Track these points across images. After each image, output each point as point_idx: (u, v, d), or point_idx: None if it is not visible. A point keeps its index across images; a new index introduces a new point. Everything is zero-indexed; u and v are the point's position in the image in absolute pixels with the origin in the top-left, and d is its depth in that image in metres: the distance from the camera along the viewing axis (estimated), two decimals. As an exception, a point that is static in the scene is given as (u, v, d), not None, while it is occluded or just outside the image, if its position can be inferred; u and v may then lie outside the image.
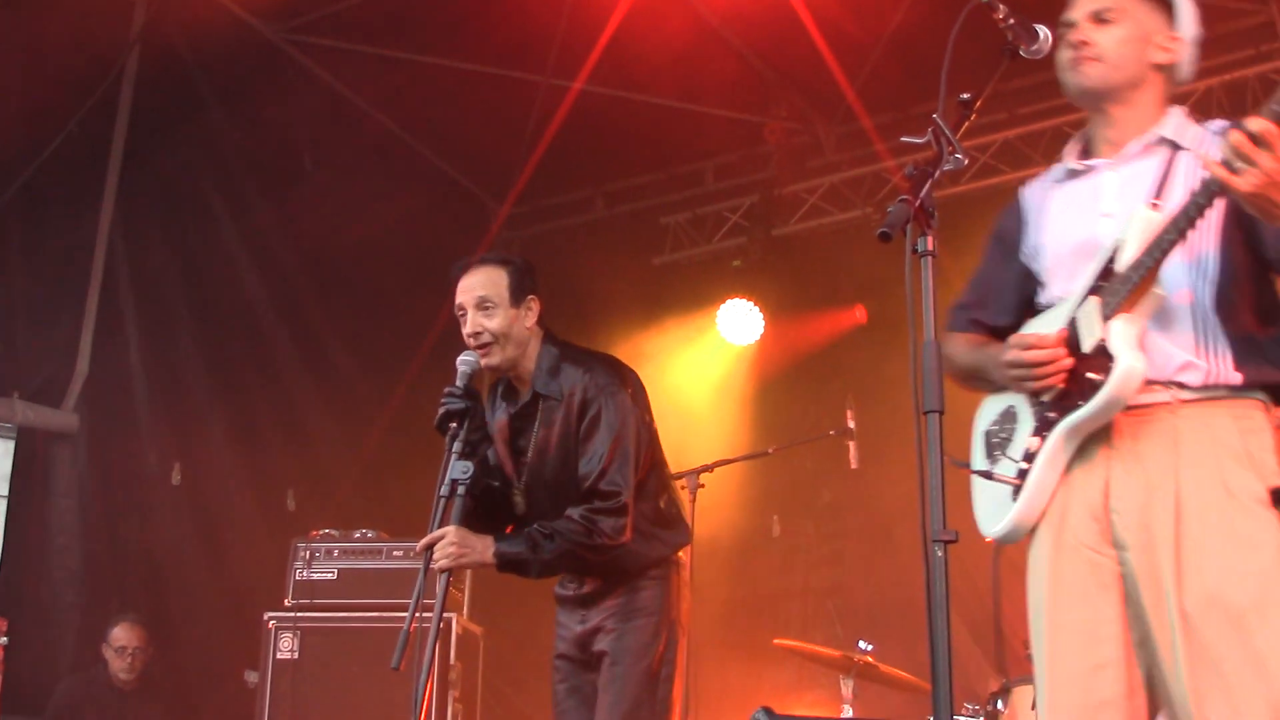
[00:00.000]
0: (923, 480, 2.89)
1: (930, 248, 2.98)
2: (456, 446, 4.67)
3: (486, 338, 4.86)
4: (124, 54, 9.11)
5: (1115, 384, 3.21)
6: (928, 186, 3.00)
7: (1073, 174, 3.60)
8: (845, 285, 9.66)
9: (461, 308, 4.92)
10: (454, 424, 4.72)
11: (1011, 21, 3.37)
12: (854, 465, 7.55)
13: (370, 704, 7.38)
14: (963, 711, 5.67)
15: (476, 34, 9.26)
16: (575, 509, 4.80)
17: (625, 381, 4.97)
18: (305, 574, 7.72)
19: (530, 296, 4.96)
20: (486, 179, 11.19)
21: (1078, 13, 3.47)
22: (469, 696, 7.80)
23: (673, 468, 7.45)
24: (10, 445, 9.06)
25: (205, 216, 9.77)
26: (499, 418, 5.09)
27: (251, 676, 7.90)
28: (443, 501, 4.61)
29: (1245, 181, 2.97)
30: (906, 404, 2.95)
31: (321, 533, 7.94)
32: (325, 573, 7.77)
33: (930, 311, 2.96)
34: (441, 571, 4.59)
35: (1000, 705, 5.94)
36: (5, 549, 8.88)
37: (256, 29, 9.31)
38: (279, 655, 7.62)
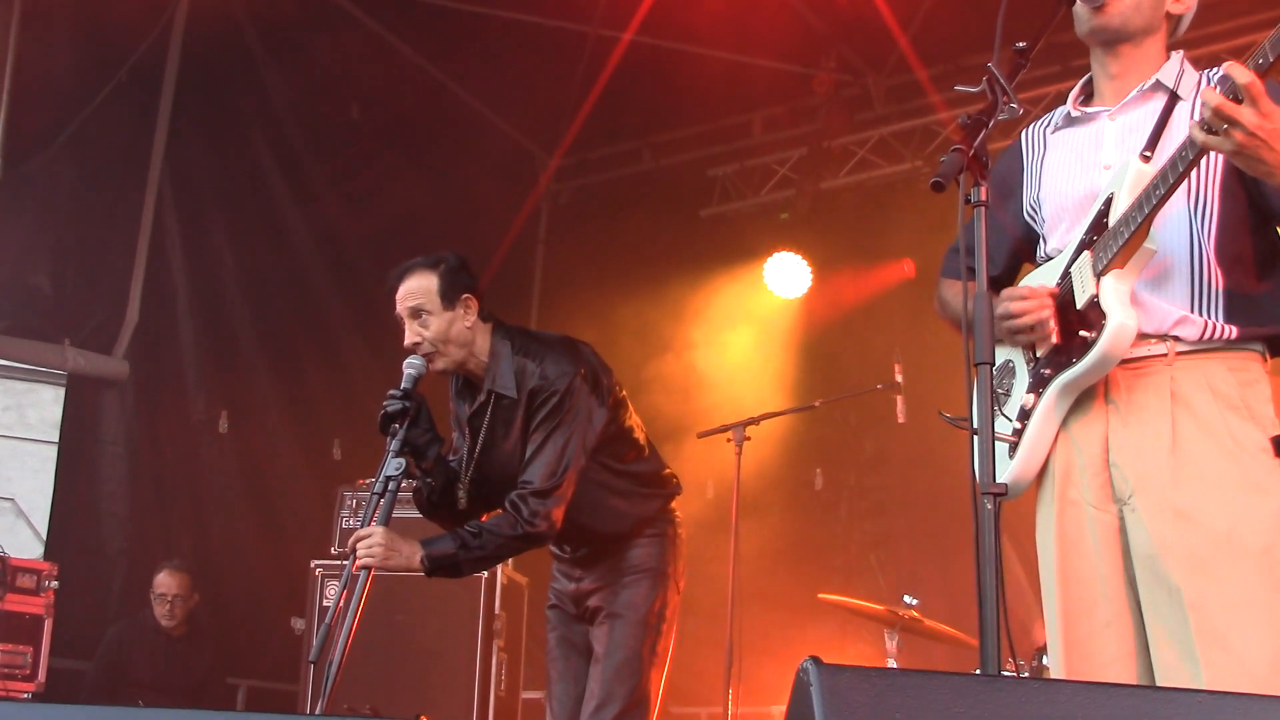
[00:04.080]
0: (974, 433, 2.87)
1: (984, 198, 2.94)
2: (394, 445, 4.66)
3: (427, 347, 4.82)
4: (173, 4, 9.11)
5: (1106, 341, 3.19)
6: (981, 136, 2.96)
7: (1071, 120, 3.57)
8: (894, 239, 9.59)
9: (400, 317, 4.89)
10: (395, 424, 4.71)
11: (1065, -33, 3.32)
12: (901, 420, 7.51)
13: (415, 651, 7.42)
14: (1008, 667, 5.65)
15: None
16: (510, 495, 4.78)
17: (578, 363, 4.89)
18: (351, 522, 7.76)
19: (465, 295, 4.87)
20: (535, 130, 11.18)
21: None
22: (514, 646, 7.84)
23: (718, 421, 7.55)
24: (61, 392, 9.13)
25: (253, 167, 9.79)
26: (462, 414, 5.08)
27: (298, 623, 7.96)
28: (375, 498, 4.60)
29: (1228, 141, 2.92)
30: (954, 358, 2.93)
31: (367, 481, 7.97)
32: (370, 521, 7.80)
33: (983, 262, 2.93)
34: (361, 568, 4.52)
35: (1045, 660, 5.92)
36: (55, 495, 8.96)
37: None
38: (325, 603, 7.67)
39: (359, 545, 4.57)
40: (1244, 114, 2.88)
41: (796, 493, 9.75)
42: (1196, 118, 3.00)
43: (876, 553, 9.44)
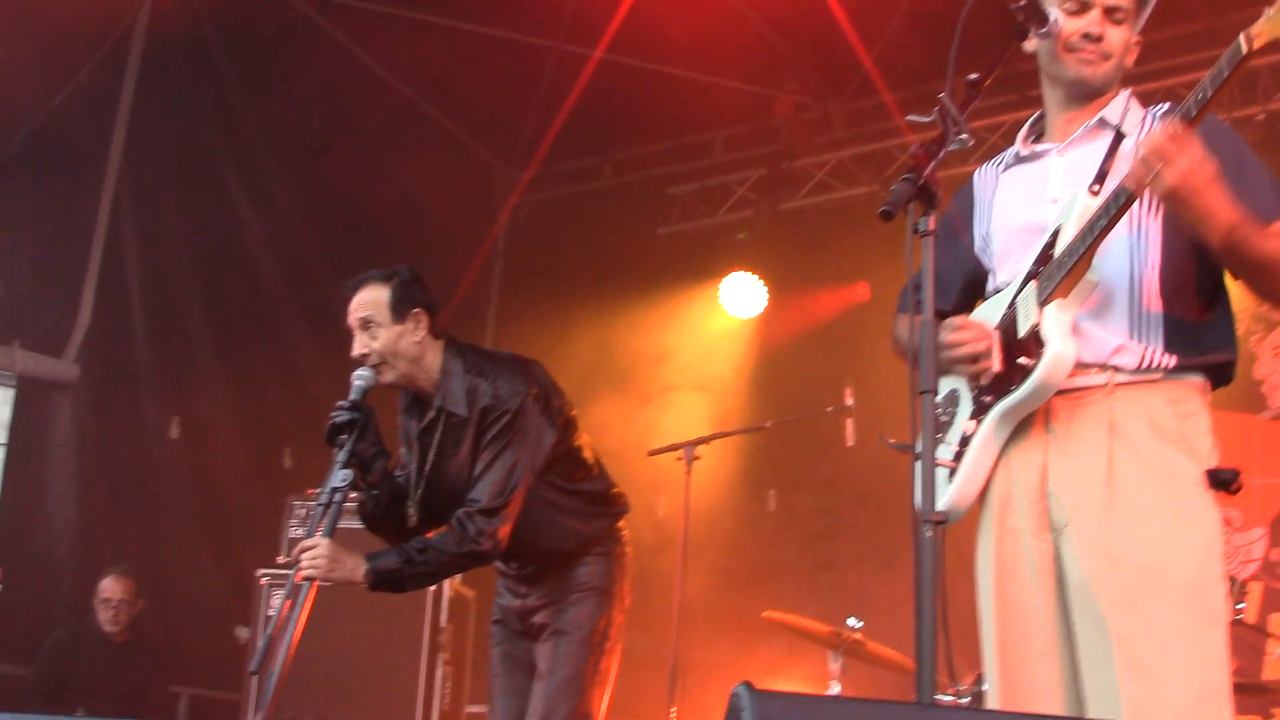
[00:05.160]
0: (916, 458, 2.89)
1: (931, 228, 2.97)
2: (341, 457, 4.65)
3: (374, 359, 4.82)
4: (136, 7, 9.08)
5: (1044, 369, 3.24)
6: (931, 166, 2.99)
7: (1021, 158, 3.63)
8: (850, 262, 9.62)
9: (351, 327, 4.88)
10: (342, 436, 4.70)
11: (1022, 3, 3.36)
12: (850, 442, 7.57)
13: (361, 663, 7.40)
14: (949, 692, 5.67)
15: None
16: (457, 513, 4.78)
17: (530, 382, 4.90)
18: (299, 531, 7.73)
19: (416, 309, 4.87)
20: (496, 144, 11.18)
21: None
22: (459, 659, 7.82)
23: (671, 439, 7.56)
24: (10, 394, 9.07)
25: (212, 173, 9.75)
26: (411, 430, 5.07)
27: (243, 632, 7.92)
28: (321, 509, 4.59)
29: (1160, 184, 3.02)
30: (905, 383, 2.95)
31: (317, 491, 7.93)
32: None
33: (930, 291, 2.95)
34: (304, 579, 4.51)
35: (985, 686, 5.94)
36: (3, 497, 8.90)
37: (271, -16, 9.29)
38: (270, 612, 7.64)
39: (303, 556, 4.56)
40: (1178, 159, 2.97)
41: (750, 514, 9.77)
42: (1135, 161, 3.08)
43: (827, 575, 9.46)
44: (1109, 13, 3.43)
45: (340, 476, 4.62)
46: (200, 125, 9.63)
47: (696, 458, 7.27)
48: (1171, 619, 3.09)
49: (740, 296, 10.12)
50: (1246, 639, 6.56)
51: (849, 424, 7.55)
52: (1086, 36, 3.42)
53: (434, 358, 4.92)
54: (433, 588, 7.43)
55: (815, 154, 10.42)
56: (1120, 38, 3.45)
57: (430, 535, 4.85)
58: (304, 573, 4.52)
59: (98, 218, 9.30)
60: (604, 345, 10.37)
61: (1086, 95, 3.49)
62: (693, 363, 10.23)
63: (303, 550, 4.58)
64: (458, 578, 7.75)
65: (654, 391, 10.15)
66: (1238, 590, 5.46)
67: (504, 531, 4.75)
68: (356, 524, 5.17)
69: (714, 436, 7.51)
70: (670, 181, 11.05)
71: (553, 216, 11.52)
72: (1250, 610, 7.77)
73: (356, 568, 4.64)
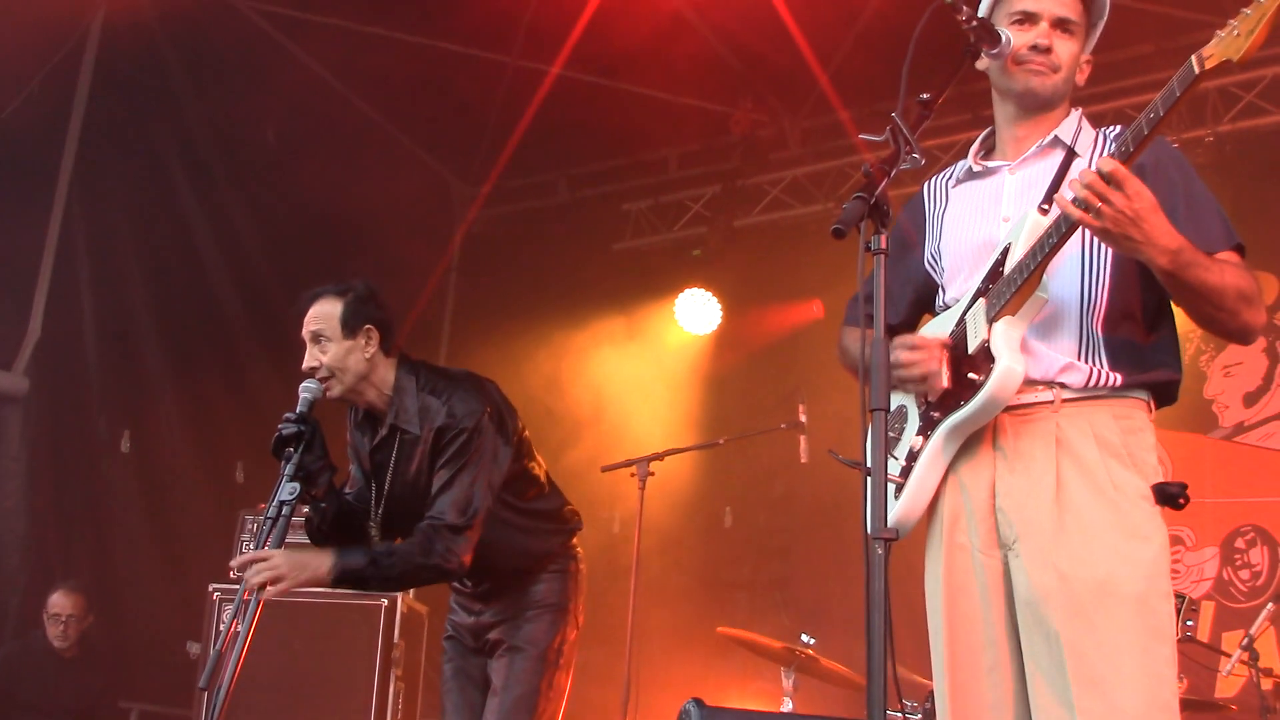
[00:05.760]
0: (866, 473, 2.90)
1: (883, 246, 2.99)
2: (289, 469, 4.60)
3: (323, 372, 4.80)
4: (89, 17, 9.03)
5: (993, 384, 3.26)
6: (883, 185, 3.01)
7: (972, 174, 3.66)
8: (804, 279, 9.67)
9: (304, 340, 4.88)
10: (289, 448, 4.66)
11: (974, 24, 3.39)
12: (804, 459, 7.57)
13: (313, 679, 7.35)
14: (900, 709, 5.69)
15: (444, 13, 9.24)
16: (424, 521, 4.75)
17: (485, 401, 4.89)
18: (249, 546, 7.68)
19: (368, 325, 4.86)
20: (451, 159, 11.18)
21: (1043, 9, 3.47)
22: (411, 675, 7.77)
23: (623, 455, 7.56)
24: (-42, 406, 8.98)
25: (165, 185, 9.69)
26: (362, 447, 5.07)
27: (194, 647, 7.87)
28: (269, 523, 4.54)
29: (1097, 220, 3.05)
30: (857, 400, 2.96)
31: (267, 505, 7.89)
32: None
33: (881, 309, 2.96)
34: (257, 588, 4.45)
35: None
36: (-48, 510, 8.80)
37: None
38: (222, 627, 7.59)
39: (254, 567, 4.52)
40: (1113, 194, 3.02)
41: (707, 530, 9.80)
42: (1070, 195, 3.10)
43: (782, 591, 9.48)
44: (1057, 25, 3.47)
45: (287, 490, 4.58)
46: (153, 137, 9.57)
47: (651, 474, 7.28)
48: (1121, 634, 3.11)
49: (695, 312, 10.16)
50: (1200, 657, 6.60)
51: (802, 440, 7.55)
52: (1035, 48, 3.45)
53: (386, 374, 4.91)
54: (385, 603, 7.40)
55: (770, 171, 10.47)
56: (1069, 51, 3.48)
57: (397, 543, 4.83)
58: (258, 579, 4.47)
59: (48, 229, 9.21)
60: (559, 360, 10.38)
61: (1035, 108, 3.53)
62: (647, 378, 10.25)
63: (254, 561, 4.53)
64: (411, 592, 7.73)
65: (610, 407, 10.15)
66: (1186, 608, 5.48)
67: (469, 554, 4.74)
68: (304, 538, 5.13)
69: (668, 453, 7.51)
70: (626, 197, 11.09)
71: (509, 232, 11.54)
72: (1203, 629, 7.83)
73: (321, 565, 4.62)
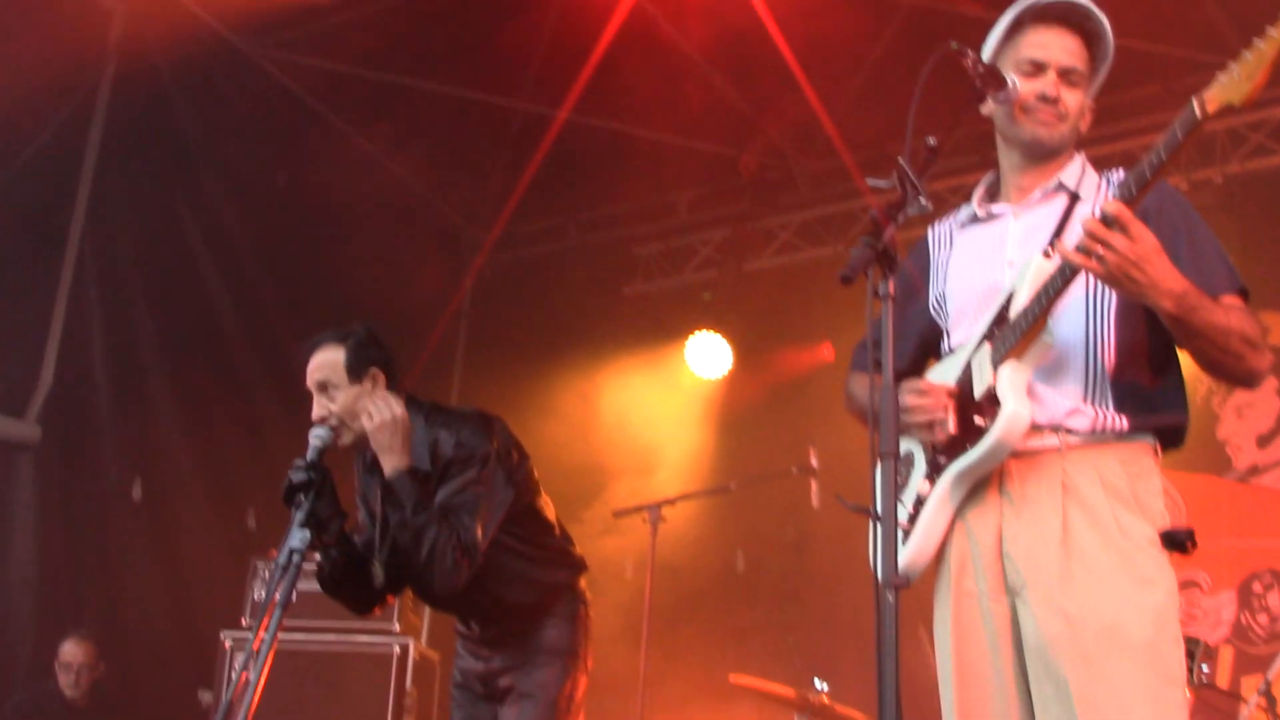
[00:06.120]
0: (875, 519, 2.90)
1: (891, 291, 2.99)
2: (299, 516, 4.60)
3: (333, 420, 4.81)
4: (100, 66, 9.08)
5: (1000, 429, 3.26)
6: (890, 230, 3.02)
7: (976, 218, 3.67)
8: (814, 322, 9.67)
9: (310, 390, 4.88)
10: (300, 495, 4.65)
11: (981, 69, 3.40)
12: (815, 504, 7.56)
13: (324, 727, 7.34)
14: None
15: (454, 57, 9.29)
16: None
17: (492, 436, 4.90)
18: (261, 593, 7.67)
19: (372, 369, 4.88)
20: (461, 203, 11.21)
21: (1049, 59, 3.49)
22: (424, 722, 7.77)
23: (635, 499, 7.55)
24: (-30, 455, 8.98)
25: (176, 232, 9.71)
26: (371, 491, 5.06)
27: (206, 696, 7.85)
28: (279, 570, 4.53)
29: (1101, 265, 3.06)
30: (868, 444, 2.95)
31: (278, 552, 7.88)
32: (283, 593, 7.71)
33: (889, 354, 2.96)
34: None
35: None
36: (-38, 559, 8.79)
37: (236, 45, 9.32)
38: (233, 675, 7.57)
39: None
40: (1116, 238, 3.02)
41: (719, 575, 9.76)
42: (1071, 244, 3.12)
43: (794, 636, 9.43)
44: (1064, 75, 3.49)
45: (298, 537, 4.58)
46: (164, 184, 9.60)
47: (662, 519, 7.27)
48: (1131, 680, 3.09)
49: (706, 356, 10.15)
50: (1219, 704, 6.54)
51: (814, 485, 7.55)
52: (1043, 98, 3.47)
53: None
54: (397, 650, 7.39)
55: (780, 214, 10.49)
56: (1076, 100, 3.51)
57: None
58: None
59: (60, 278, 9.23)
60: (570, 405, 10.37)
61: (1042, 156, 3.54)
62: (658, 423, 10.23)
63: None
64: (423, 639, 7.72)
65: (622, 452, 10.14)
66: (1201, 652, 5.44)
67: (463, 580, 4.70)
68: (316, 587, 5.12)
69: (679, 498, 7.53)
70: (635, 241, 11.11)
71: (518, 276, 11.55)
72: (1222, 674, 7.76)
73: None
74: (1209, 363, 3.26)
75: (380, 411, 4.68)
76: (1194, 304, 3.12)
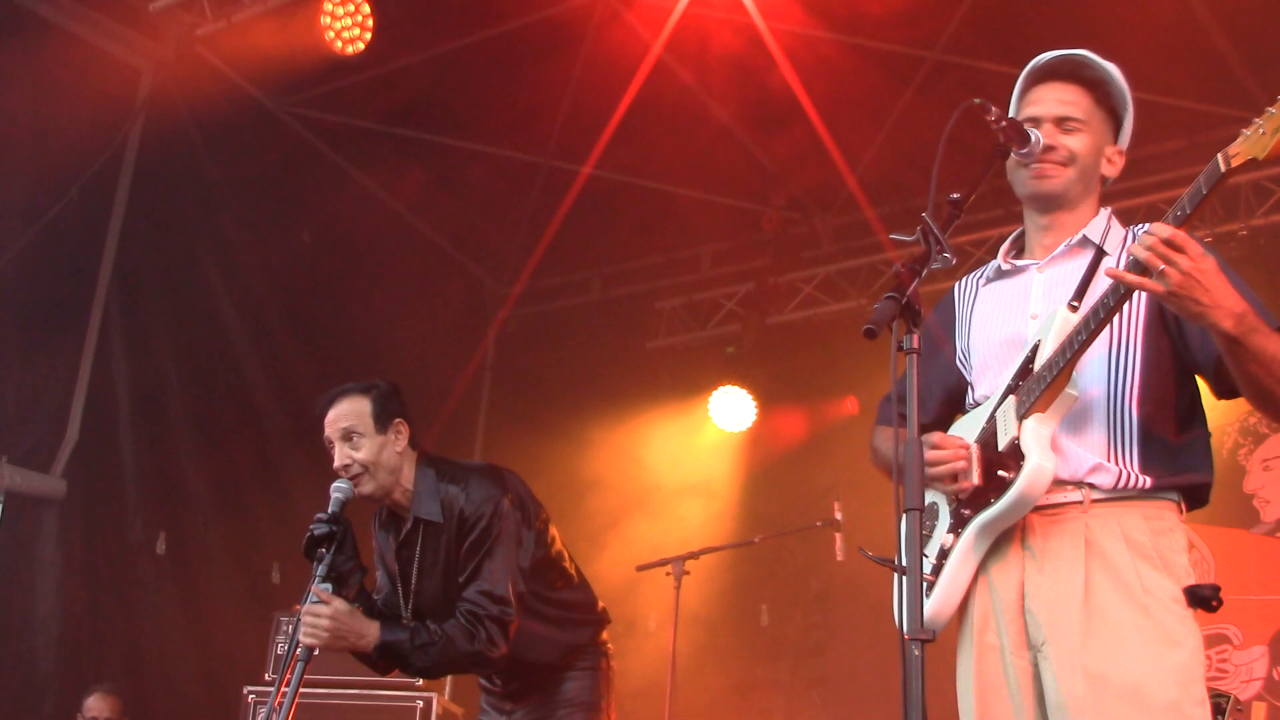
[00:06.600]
0: (898, 571, 2.88)
1: (915, 345, 2.99)
2: (320, 570, 4.62)
3: (356, 469, 4.82)
4: (128, 123, 9.16)
5: (1024, 482, 3.24)
6: (914, 284, 3.01)
7: (1002, 273, 3.67)
8: (838, 375, 9.67)
9: (330, 440, 4.88)
10: (321, 549, 4.66)
11: (1004, 124, 3.41)
12: (839, 557, 7.53)
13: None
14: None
15: (477, 113, 9.35)
16: (462, 605, 4.74)
17: (505, 489, 4.91)
18: (284, 648, 7.66)
19: (397, 420, 4.90)
20: (485, 258, 11.26)
21: (1043, 112, 3.52)
22: (447, 778, 7.73)
23: (659, 553, 7.54)
24: (-4, 509, 9.01)
25: (201, 289, 9.76)
26: (387, 548, 5.07)
27: (229, 751, 7.83)
28: (300, 623, 4.55)
29: (1164, 283, 3.01)
30: (893, 498, 2.94)
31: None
32: (306, 648, 7.70)
33: (914, 409, 2.96)
34: (304, 647, 4.50)
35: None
36: (-13, 613, 8.80)
37: (262, 102, 9.41)
38: (257, 730, 7.55)
39: (307, 618, 4.54)
40: (1179, 256, 2.97)
41: (743, 628, 9.73)
42: (1123, 265, 3.08)
43: (819, 690, 9.39)
44: (1059, 123, 3.51)
45: (320, 590, 4.60)
46: (190, 241, 9.66)
47: (686, 572, 7.26)
48: None
49: (729, 410, 10.16)
50: (1252, 761, 6.48)
51: (838, 538, 7.52)
52: (1044, 149, 3.47)
53: (409, 469, 4.93)
54: (420, 705, 7.36)
55: (803, 268, 10.51)
56: (1080, 144, 3.51)
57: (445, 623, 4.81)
58: (305, 640, 4.50)
59: (87, 332, 9.29)
60: (593, 459, 10.37)
61: (1054, 207, 3.55)
62: (682, 477, 10.23)
63: (310, 613, 4.55)
64: (446, 694, 7.69)
65: (643, 506, 10.12)
66: (1231, 707, 5.39)
67: (508, 643, 4.72)
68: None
69: (703, 551, 7.51)
70: (658, 296, 11.13)
71: (542, 331, 11.58)
72: (1256, 731, 7.68)
73: (367, 632, 4.64)
74: (1260, 391, 3.17)
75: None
76: (1253, 325, 3.06)
